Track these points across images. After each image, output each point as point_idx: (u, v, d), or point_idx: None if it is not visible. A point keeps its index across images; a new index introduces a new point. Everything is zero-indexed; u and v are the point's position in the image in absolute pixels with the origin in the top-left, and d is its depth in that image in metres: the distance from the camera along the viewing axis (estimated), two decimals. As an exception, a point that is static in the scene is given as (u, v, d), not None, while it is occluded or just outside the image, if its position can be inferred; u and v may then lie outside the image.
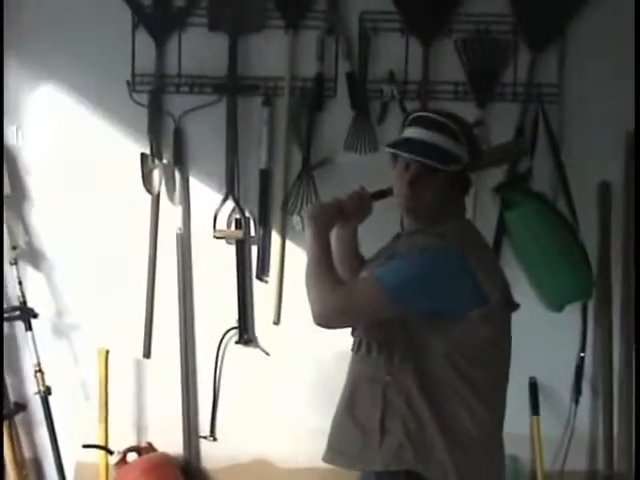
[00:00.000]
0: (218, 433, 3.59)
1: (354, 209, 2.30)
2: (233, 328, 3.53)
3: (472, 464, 2.12)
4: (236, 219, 3.51)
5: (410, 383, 2.11)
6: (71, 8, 3.44)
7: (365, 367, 2.21)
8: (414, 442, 2.10)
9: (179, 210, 3.52)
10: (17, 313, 3.45)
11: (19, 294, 3.45)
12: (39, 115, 3.54)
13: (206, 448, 3.61)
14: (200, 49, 3.46)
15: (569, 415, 3.50)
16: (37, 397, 3.44)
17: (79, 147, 3.52)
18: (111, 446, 3.45)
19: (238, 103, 3.45)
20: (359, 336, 2.23)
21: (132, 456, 3.49)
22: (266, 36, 3.46)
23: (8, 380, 3.54)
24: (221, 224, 3.50)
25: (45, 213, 3.57)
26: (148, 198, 3.50)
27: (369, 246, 2.38)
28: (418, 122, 2.19)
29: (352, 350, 2.26)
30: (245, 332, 3.53)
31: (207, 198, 3.51)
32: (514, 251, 3.39)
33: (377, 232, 2.31)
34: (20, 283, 3.45)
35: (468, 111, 3.08)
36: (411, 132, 2.19)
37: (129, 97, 3.44)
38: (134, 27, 3.45)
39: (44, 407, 3.42)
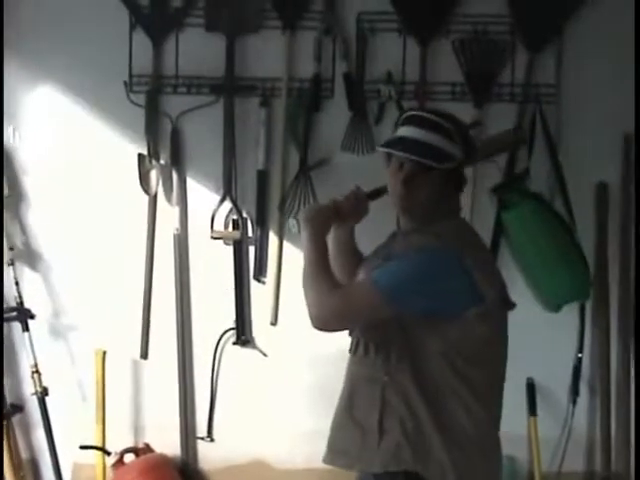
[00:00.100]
0: (215, 434, 3.59)
1: (351, 209, 2.29)
2: (230, 329, 3.53)
3: (470, 463, 2.12)
4: (233, 220, 3.50)
5: (407, 383, 2.11)
6: (69, 8, 3.45)
7: (363, 368, 2.21)
8: (412, 441, 2.10)
9: (176, 211, 3.51)
10: (14, 314, 3.44)
11: (16, 295, 3.44)
12: (36, 115, 3.54)
13: (203, 449, 3.60)
14: (197, 50, 3.46)
15: (567, 416, 3.49)
16: (34, 398, 3.43)
17: (76, 147, 3.52)
18: (108, 447, 3.45)
19: (235, 104, 3.45)
20: (356, 337, 2.23)
21: (129, 457, 3.49)
22: (263, 37, 3.46)
23: (5, 381, 3.53)
24: (218, 225, 3.49)
25: (42, 214, 3.57)
26: (145, 199, 3.49)
27: (366, 245, 2.37)
28: (411, 121, 2.18)
29: (350, 351, 2.26)
30: (242, 333, 3.53)
31: (204, 199, 3.51)
32: (511, 251, 3.38)
33: (373, 231, 2.31)
34: (17, 284, 3.44)
35: (466, 111, 3.08)
36: (404, 131, 2.19)
37: (126, 97, 3.44)
38: (131, 27, 3.45)
39: (41, 408, 3.42)
